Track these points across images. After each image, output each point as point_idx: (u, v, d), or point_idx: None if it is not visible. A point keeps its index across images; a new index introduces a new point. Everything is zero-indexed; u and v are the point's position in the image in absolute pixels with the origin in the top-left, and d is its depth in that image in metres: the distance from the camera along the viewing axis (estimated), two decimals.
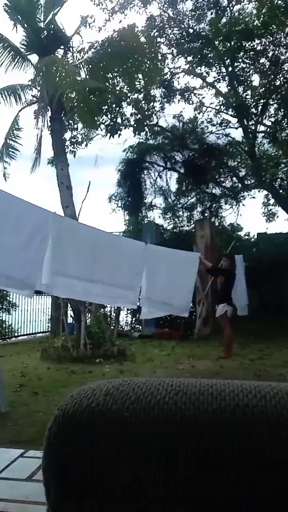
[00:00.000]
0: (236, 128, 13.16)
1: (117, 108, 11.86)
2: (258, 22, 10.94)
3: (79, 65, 9.00)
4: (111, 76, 9.73)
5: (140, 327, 11.49)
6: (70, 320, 9.50)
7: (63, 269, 4.76)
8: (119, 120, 12.08)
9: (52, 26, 9.01)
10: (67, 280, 4.91)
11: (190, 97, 12.99)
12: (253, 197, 14.04)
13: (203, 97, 13.29)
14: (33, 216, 4.44)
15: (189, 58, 12.31)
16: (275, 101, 11.87)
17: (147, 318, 6.70)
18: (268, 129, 12.62)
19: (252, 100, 12.16)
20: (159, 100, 12.67)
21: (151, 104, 12.31)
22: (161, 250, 6.69)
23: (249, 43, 11.26)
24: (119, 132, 12.03)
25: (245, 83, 12.28)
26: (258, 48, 11.50)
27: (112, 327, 10.35)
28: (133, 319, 12.33)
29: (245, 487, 0.47)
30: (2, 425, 3.93)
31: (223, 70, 12.31)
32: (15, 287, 4.61)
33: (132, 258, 5.67)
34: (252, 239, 14.22)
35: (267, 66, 11.76)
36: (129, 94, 11.65)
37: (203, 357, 7.67)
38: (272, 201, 14.19)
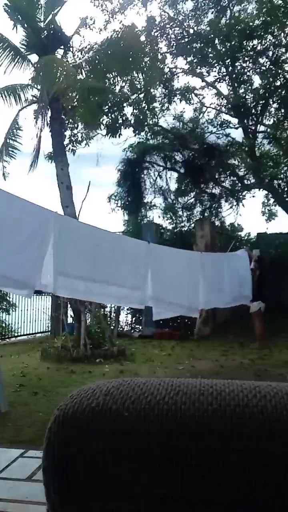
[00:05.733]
0: (236, 128, 13.18)
1: (117, 108, 11.86)
2: (258, 22, 10.95)
3: (79, 65, 9.00)
4: (111, 76, 9.73)
5: (140, 327, 11.48)
6: (70, 320, 9.50)
7: (66, 269, 4.74)
8: (119, 119, 12.08)
9: (52, 26, 9.01)
10: (70, 280, 4.89)
11: (190, 97, 13.00)
12: (253, 196, 14.06)
13: (203, 98, 13.33)
14: (33, 215, 4.43)
15: (189, 58, 12.32)
16: (275, 101, 11.88)
17: (158, 319, 6.66)
18: (268, 129, 12.63)
19: (252, 100, 12.17)
20: (159, 101, 12.68)
21: (151, 105, 12.31)
22: (164, 249, 6.65)
23: (249, 43, 11.26)
24: (119, 131, 12.03)
25: (246, 83, 12.29)
26: (258, 48, 11.51)
27: (112, 327, 10.35)
28: (133, 319, 12.33)
29: (245, 487, 0.47)
30: (2, 425, 3.93)
31: (223, 70, 12.31)
32: (14, 287, 4.60)
33: (135, 257, 5.64)
34: (252, 239, 14.22)
35: (267, 66, 11.77)
36: (129, 94, 11.65)
37: (203, 357, 7.67)
38: (272, 201, 14.21)
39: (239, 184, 13.68)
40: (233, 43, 11.02)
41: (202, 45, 11.79)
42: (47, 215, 4.58)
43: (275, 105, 12.08)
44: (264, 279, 8.52)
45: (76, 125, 11.64)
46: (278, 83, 11.60)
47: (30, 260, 4.31)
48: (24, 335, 11.34)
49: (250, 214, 27.65)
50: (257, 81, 12.26)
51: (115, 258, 5.35)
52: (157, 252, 6.14)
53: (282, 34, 11.30)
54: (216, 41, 11.36)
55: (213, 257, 7.98)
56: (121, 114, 11.98)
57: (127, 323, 12.44)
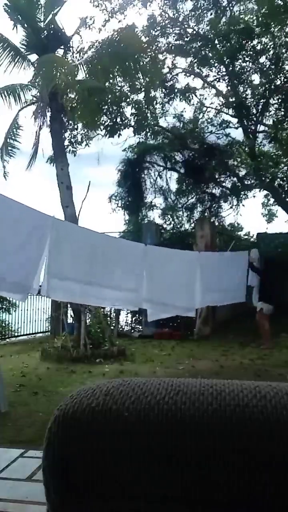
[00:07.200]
0: (236, 128, 13.18)
1: (117, 108, 11.86)
2: (258, 21, 10.95)
3: (79, 65, 8.99)
4: (111, 76, 9.72)
5: (140, 327, 11.48)
6: (70, 320, 9.50)
7: (62, 272, 4.76)
8: (119, 120, 12.08)
9: (52, 26, 9.00)
10: (66, 283, 4.91)
11: (190, 97, 13.00)
12: (254, 196, 14.07)
13: (204, 98, 13.32)
14: (30, 219, 4.44)
15: (189, 58, 12.31)
16: (276, 100, 11.88)
17: (153, 320, 6.69)
18: (268, 129, 12.62)
19: (252, 99, 12.17)
20: (159, 101, 12.68)
21: (151, 105, 12.31)
22: (161, 251, 6.67)
23: (249, 42, 11.26)
24: (119, 132, 12.03)
25: (245, 83, 12.29)
26: (258, 47, 11.51)
27: (112, 327, 10.35)
28: (133, 319, 12.33)
29: (245, 487, 0.47)
30: (2, 425, 3.94)
31: (223, 69, 12.31)
32: (9, 291, 4.60)
33: (131, 260, 5.66)
34: (252, 239, 14.22)
35: (267, 66, 11.77)
36: (129, 94, 11.64)
37: (203, 357, 7.67)
38: (272, 201, 14.21)
39: (239, 184, 13.67)
40: (232, 43, 11.02)
41: (202, 44, 11.78)
42: (43, 219, 4.59)
43: (275, 105, 12.08)
44: (264, 280, 8.61)
45: (76, 126, 11.63)
46: (278, 83, 11.60)
47: (25, 264, 4.32)
48: (24, 335, 11.33)
49: (250, 214, 27.69)
50: (257, 81, 12.29)
51: (111, 261, 5.36)
52: (154, 253, 6.15)
53: (282, 33, 11.30)
54: (216, 41, 11.35)
55: (210, 256, 7.98)
56: (121, 113, 11.97)
57: (127, 323, 12.43)
